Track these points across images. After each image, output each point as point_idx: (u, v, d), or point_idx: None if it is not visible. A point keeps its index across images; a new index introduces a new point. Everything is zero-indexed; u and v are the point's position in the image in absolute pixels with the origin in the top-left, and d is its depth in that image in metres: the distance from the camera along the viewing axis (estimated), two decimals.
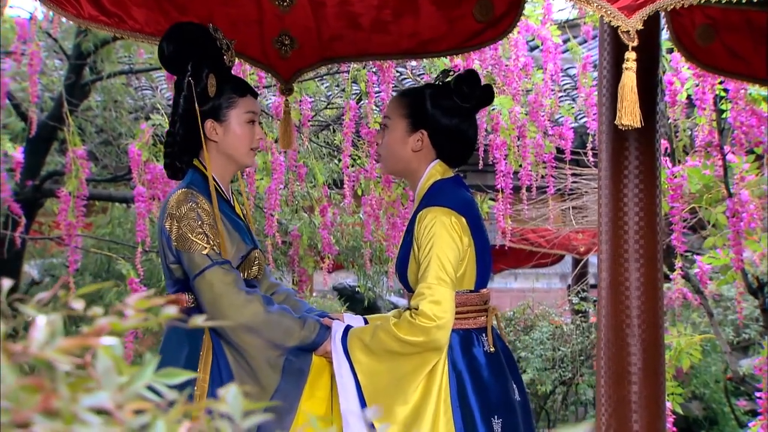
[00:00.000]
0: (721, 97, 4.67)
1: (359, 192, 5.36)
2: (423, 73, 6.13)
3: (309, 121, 5.33)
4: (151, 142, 4.88)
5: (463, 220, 2.73)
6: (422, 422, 2.62)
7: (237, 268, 2.69)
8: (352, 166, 5.27)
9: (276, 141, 4.81)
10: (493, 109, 5.15)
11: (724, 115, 4.67)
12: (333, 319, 2.79)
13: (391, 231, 5.30)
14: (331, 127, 6.27)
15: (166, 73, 5.16)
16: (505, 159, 5.19)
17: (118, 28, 3.06)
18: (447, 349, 2.67)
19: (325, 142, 6.22)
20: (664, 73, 4.62)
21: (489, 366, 2.76)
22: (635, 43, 2.05)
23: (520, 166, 5.27)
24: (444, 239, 2.67)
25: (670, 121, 4.87)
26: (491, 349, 2.78)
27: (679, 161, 4.94)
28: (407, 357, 2.63)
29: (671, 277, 4.70)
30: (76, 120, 6.07)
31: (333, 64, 4.33)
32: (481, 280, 2.81)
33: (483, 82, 2.93)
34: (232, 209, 2.79)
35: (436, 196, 2.77)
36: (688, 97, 4.77)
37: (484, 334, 2.80)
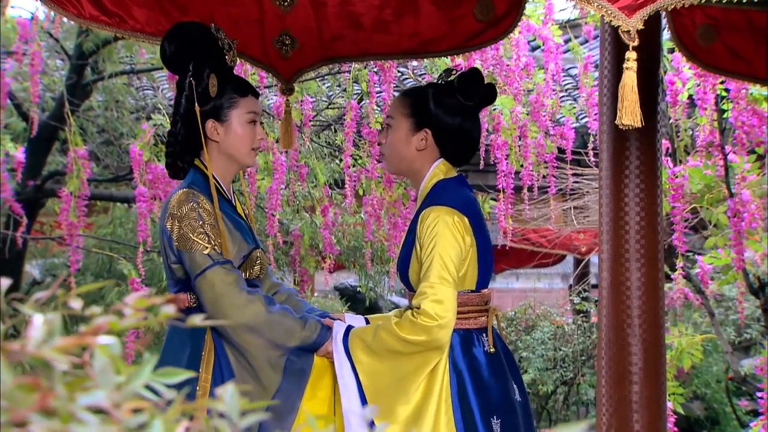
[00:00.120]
0: (723, 97, 4.66)
1: (360, 192, 5.36)
2: (424, 73, 6.13)
3: (310, 121, 5.33)
4: (153, 142, 4.87)
5: (466, 219, 2.73)
6: (424, 422, 2.62)
7: (239, 267, 2.69)
8: (354, 166, 5.27)
9: (277, 141, 4.81)
10: (495, 109, 5.15)
11: (725, 115, 4.66)
12: (334, 319, 2.79)
13: (393, 231, 5.30)
14: (332, 127, 6.26)
15: (168, 73, 5.17)
16: (506, 159, 5.19)
17: (119, 28, 3.06)
18: (448, 348, 2.67)
19: (326, 142, 6.21)
20: (665, 73, 4.62)
21: (489, 366, 2.76)
22: (636, 43, 2.05)
23: (522, 166, 5.28)
24: (446, 238, 2.67)
25: (671, 121, 4.86)
26: (491, 350, 2.78)
27: (681, 161, 4.94)
28: (409, 356, 2.63)
29: (672, 277, 4.69)
30: (77, 120, 6.07)
31: (334, 64, 4.32)
32: (483, 281, 2.81)
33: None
34: (233, 209, 2.78)
35: (439, 196, 2.77)
36: (690, 96, 4.77)
37: (484, 335, 2.79)
